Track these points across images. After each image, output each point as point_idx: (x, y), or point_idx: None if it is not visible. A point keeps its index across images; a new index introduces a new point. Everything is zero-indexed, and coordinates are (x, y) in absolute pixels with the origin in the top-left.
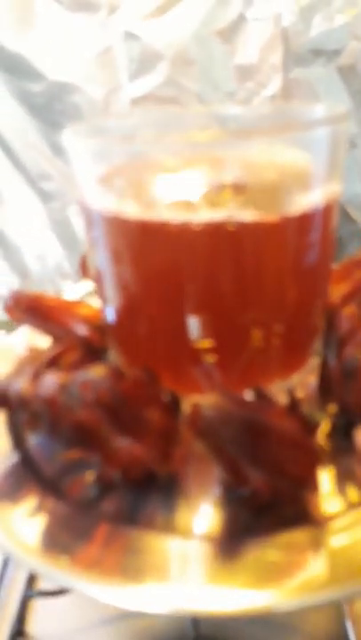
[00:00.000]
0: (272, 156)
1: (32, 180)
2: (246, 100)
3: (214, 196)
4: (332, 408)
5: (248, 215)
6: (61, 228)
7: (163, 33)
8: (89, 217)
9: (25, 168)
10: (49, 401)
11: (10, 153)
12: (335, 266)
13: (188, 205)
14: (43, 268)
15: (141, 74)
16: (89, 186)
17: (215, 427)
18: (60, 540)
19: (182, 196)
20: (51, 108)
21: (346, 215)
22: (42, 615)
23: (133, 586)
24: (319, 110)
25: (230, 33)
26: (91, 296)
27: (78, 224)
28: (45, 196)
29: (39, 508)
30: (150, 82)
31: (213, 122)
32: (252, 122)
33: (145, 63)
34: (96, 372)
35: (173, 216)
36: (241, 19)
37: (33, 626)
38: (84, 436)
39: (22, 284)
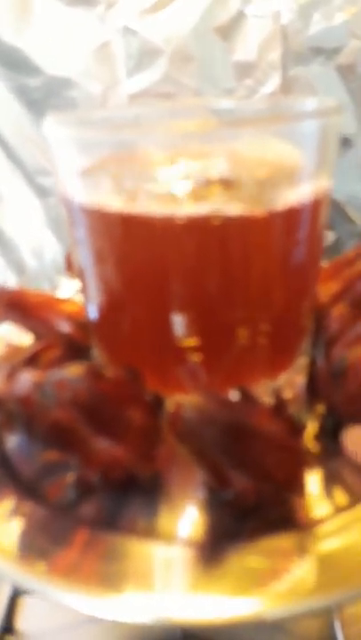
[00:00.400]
0: (261, 150)
1: (29, 176)
2: (245, 97)
3: (200, 189)
4: (320, 408)
5: (234, 209)
6: (58, 224)
7: (161, 29)
8: (71, 210)
9: (22, 163)
10: (23, 400)
11: (7, 148)
12: (326, 264)
13: (172, 199)
14: (39, 264)
15: (140, 70)
16: (71, 178)
17: (197, 429)
18: (37, 544)
19: (167, 189)
20: (48, 103)
21: (345, 215)
22: (31, 612)
23: (113, 594)
24: (310, 104)
25: (229, 30)
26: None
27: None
28: (42, 192)
29: (16, 511)
30: (148, 78)
31: (206, 115)
32: (244, 115)
33: (143, 59)
34: (73, 371)
35: (157, 209)
36: (240, 15)
37: (22, 623)
38: (61, 437)
39: (19, 279)
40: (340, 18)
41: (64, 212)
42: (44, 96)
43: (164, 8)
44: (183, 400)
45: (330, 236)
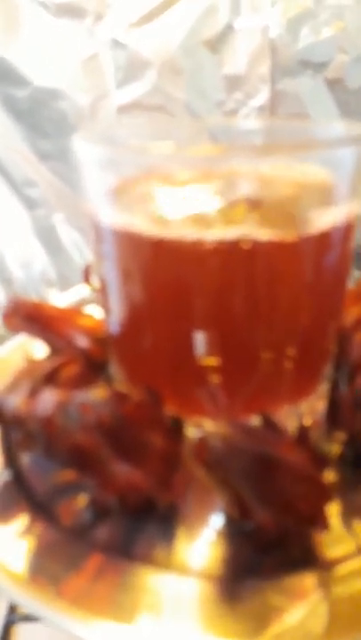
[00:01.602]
0: (290, 172)
1: (17, 187)
2: (234, 110)
3: (229, 211)
4: (341, 436)
5: (263, 234)
6: (46, 236)
7: (150, 41)
8: (97, 229)
9: (9, 174)
10: (46, 421)
11: None
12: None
13: (201, 221)
14: (27, 276)
15: (128, 82)
16: (99, 197)
17: (222, 459)
18: (47, 568)
19: (195, 211)
20: (36, 114)
21: None
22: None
23: (123, 625)
24: (338, 128)
25: (218, 43)
26: (80, 304)
27: (63, 231)
28: (30, 203)
29: (28, 532)
30: (137, 90)
31: (221, 135)
32: (271, 137)
33: (132, 71)
34: (97, 394)
35: (185, 233)
36: (229, 29)
37: None
38: (80, 459)
39: (6, 291)
40: (327, 32)
41: (89, 227)
42: (31, 107)
43: (153, 21)
44: (208, 429)
45: None
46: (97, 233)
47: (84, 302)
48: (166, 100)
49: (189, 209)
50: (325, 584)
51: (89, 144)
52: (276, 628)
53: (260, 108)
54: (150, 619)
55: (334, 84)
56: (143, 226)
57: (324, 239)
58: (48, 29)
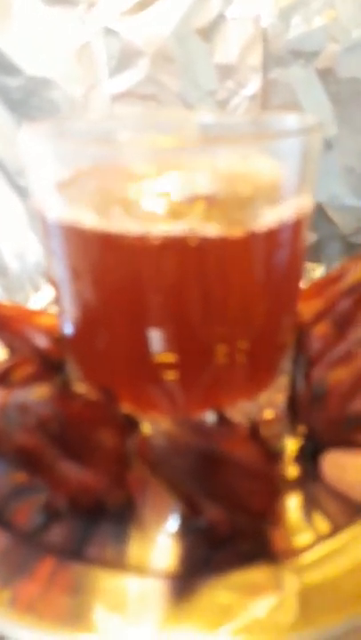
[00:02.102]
0: (242, 167)
1: (10, 177)
2: (226, 99)
3: (178, 206)
4: (301, 429)
5: (211, 229)
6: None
7: (142, 30)
8: (45, 224)
9: (2, 164)
10: None
11: None
12: (309, 283)
13: (149, 216)
14: (22, 267)
15: (121, 71)
16: (46, 191)
17: (166, 457)
18: (0, 573)
19: (143, 205)
20: (28, 104)
21: (325, 217)
22: None
23: (78, 631)
24: (292, 120)
25: (210, 31)
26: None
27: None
28: (24, 193)
29: None
30: (130, 79)
31: (188, 128)
32: (226, 130)
33: (124, 60)
34: (39, 392)
35: (132, 227)
36: (221, 18)
37: None
38: (27, 461)
39: (0, 281)
40: (319, 22)
41: (38, 224)
42: (24, 96)
43: (145, 9)
44: (152, 426)
45: (311, 237)
46: (45, 228)
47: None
48: (159, 89)
49: (137, 203)
50: (279, 578)
51: (35, 136)
52: (234, 623)
53: (252, 98)
54: (106, 621)
55: (326, 74)
56: (89, 220)
57: (272, 235)
58: (40, 18)
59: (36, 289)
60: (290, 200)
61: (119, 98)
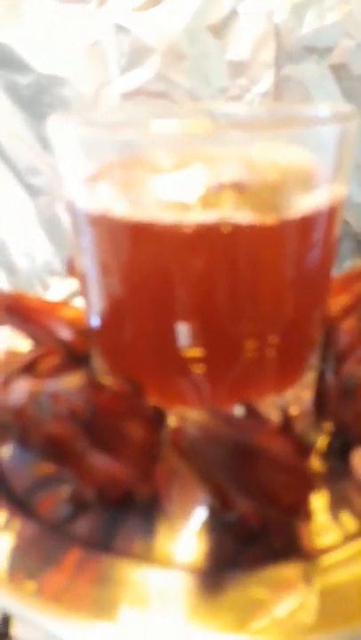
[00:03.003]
0: (273, 155)
1: (20, 175)
2: (238, 96)
3: (209, 195)
4: (328, 426)
5: (244, 217)
6: (50, 224)
7: (153, 26)
8: (75, 215)
9: (12, 162)
10: (18, 411)
11: None
12: (336, 277)
13: (180, 205)
14: (31, 265)
15: (132, 68)
16: (76, 182)
17: (200, 447)
18: (26, 564)
19: (175, 195)
20: (39, 101)
21: None
22: None
23: (105, 622)
24: (324, 109)
25: (222, 28)
26: (78, 295)
27: (68, 220)
28: (34, 191)
29: (6, 528)
30: (141, 76)
31: (214, 119)
32: (252, 118)
33: (135, 57)
34: (71, 382)
35: (163, 217)
36: (233, 14)
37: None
38: (56, 451)
39: (10, 280)
40: (332, 17)
41: (67, 216)
42: (34, 94)
43: (157, 6)
44: (186, 416)
45: None
46: (75, 221)
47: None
48: (170, 87)
49: (169, 193)
50: (310, 575)
51: (65, 125)
52: (261, 620)
53: (265, 94)
54: (132, 613)
55: (339, 70)
56: (120, 210)
57: (305, 223)
58: (51, 15)
59: (46, 288)
60: (324, 188)
61: (130, 95)
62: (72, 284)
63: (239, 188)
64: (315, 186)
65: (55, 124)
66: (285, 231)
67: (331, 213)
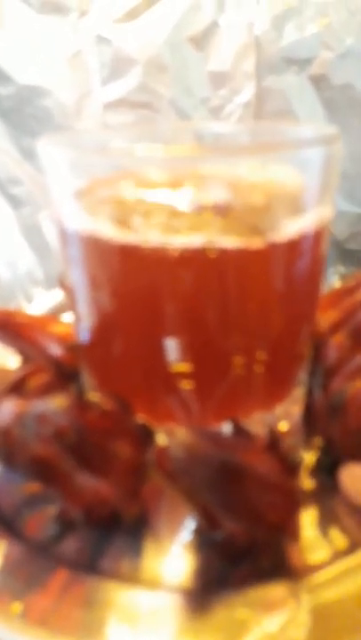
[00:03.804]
0: (260, 177)
1: (2, 186)
2: (220, 106)
3: (196, 217)
4: (318, 441)
5: (230, 241)
6: (32, 234)
7: (135, 38)
8: (63, 233)
9: None
10: (3, 432)
11: None
12: (326, 293)
13: (168, 227)
14: (13, 275)
15: (113, 78)
16: (64, 201)
17: (185, 469)
18: (12, 585)
19: (162, 216)
20: (21, 112)
21: None
22: None
23: None
24: (309, 130)
25: (203, 39)
26: (60, 308)
27: (50, 230)
28: (15, 202)
29: None
30: (123, 87)
31: (196, 138)
32: (237, 139)
33: (117, 68)
34: (57, 403)
35: (150, 238)
36: (214, 25)
37: None
38: (42, 471)
39: None
40: (312, 29)
41: (53, 231)
42: (16, 105)
43: (138, 17)
44: (172, 436)
45: None
46: (63, 237)
47: (63, 306)
48: (152, 97)
49: (157, 213)
50: (298, 595)
51: (53, 147)
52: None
53: (246, 105)
54: (119, 636)
55: (319, 81)
56: (108, 231)
57: (291, 246)
58: (32, 26)
59: (28, 298)
60: (311, 210)
61: (113, 106)
62: (55, 295)
63: (225, 211)
64: (301, 208)
65: (44, 146)
66: (272, 255)
67: (317, 235)
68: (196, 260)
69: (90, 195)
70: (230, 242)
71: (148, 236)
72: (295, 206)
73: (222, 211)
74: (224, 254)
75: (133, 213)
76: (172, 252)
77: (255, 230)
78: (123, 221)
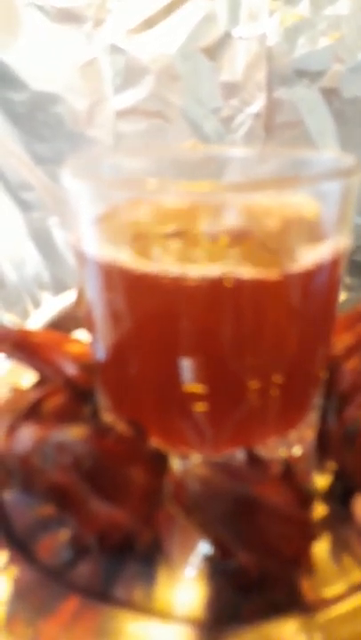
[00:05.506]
0: (278, 206)
1: (12, 190)
2: (231, 116)
3: (214, 246)
4: (331, 466)
5: (247, 272)
6: (41, 239)
7: (148, 47)
8: (82, 259)
9: (5, 177)
10: (22, 459)
11: None
12: (340, 316)
13: (185, 257)
14: (20, 279)
15: (126, 87)
16: (84, 228)
17: (201, 503)
18: (23, 612)
19: (179, 245)
20: (33, 118)
21: None
22: None
23: None
24: (327, 160)
25: (216, 50)
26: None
27: (58, 234)
28: (25, 206)
29: (4, 572)
30: (135, 95)
31: (213, 163)
32: (256, 168)
33: (130, 77)
34: (74, 433)
35: (168, 268)
36: (227, 36)
37: None
38: (58, 497)
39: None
40: (324, 42)
41: (73, 254)
42: (29, 111)
43: (152, 27)
44: (188, 469)
45: None
46: (81, 262)
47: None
48: (163, 106)
49: (174, 242)
50: (311, 630)
51: (76, 178)
52: None
53: (256, 116)
54: None
55: (330, 94)
56: (126, 259)
57: (308, 276)
58: (47, 34)
59: (35, 301)
60: (328, 239)
61: (124, 114)
62: (62, 300)
63: (242, 239)
64: (318, 236)
65: (67, 177)
66: (289, 285)
67: (334, 263)
68: (213, 289)
69: (108, 222)
70: (247, 273)
71: (167, 265)
72: (312, 234)
73: (239, 238)
74: (241, 284)
75: (152, 242)
76: (190, 281)
77: (272, 260)
78: (141, 250)
